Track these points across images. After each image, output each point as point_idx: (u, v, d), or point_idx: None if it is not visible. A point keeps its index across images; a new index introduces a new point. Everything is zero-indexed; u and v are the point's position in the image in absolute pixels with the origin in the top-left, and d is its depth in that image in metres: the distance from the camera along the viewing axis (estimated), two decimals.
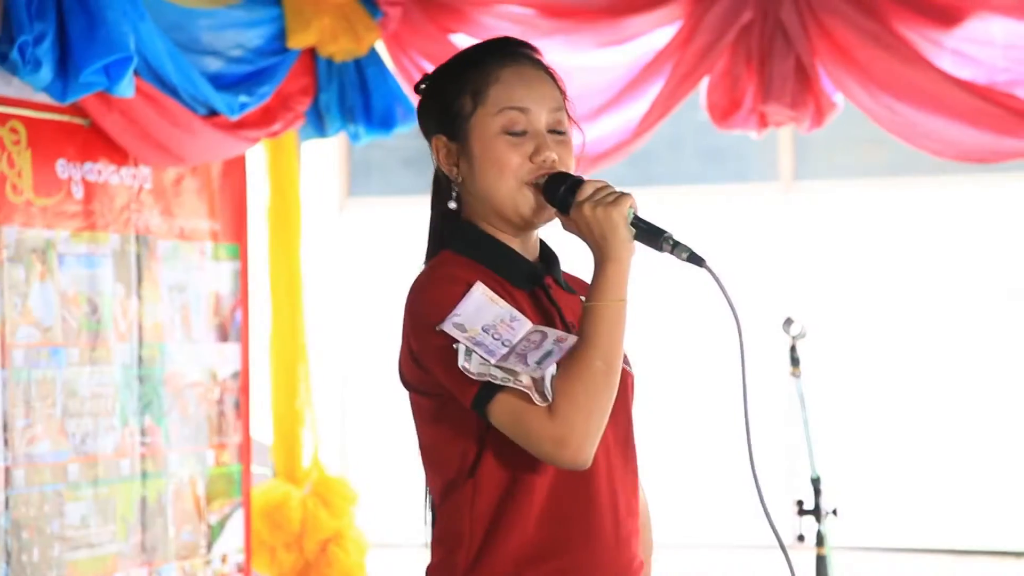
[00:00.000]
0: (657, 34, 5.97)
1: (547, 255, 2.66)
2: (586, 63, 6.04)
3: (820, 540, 4.83)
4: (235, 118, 5.60)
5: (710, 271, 2.46)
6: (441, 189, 2.64)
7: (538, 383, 2.36)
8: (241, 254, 6.01)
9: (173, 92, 5.34)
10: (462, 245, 2.57)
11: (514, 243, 2.59)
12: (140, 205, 5.54)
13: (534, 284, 2.58)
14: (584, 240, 2.48)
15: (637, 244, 2.47)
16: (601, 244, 2.45)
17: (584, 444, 2.35)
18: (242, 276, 6.01)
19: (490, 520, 2.46)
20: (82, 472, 5.24)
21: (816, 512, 4.83)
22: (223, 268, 5.93)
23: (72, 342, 5.23)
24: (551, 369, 2.37)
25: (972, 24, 5.64)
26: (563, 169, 2.55)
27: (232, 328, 5.95)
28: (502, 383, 2.36)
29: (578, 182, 2.50)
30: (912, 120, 5.73)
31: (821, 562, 4.83)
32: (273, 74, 5.82)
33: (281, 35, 5.87)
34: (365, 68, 6.14)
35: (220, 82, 5.60)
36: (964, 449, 7.98)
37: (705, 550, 8.01)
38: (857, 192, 8.17)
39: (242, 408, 5.97)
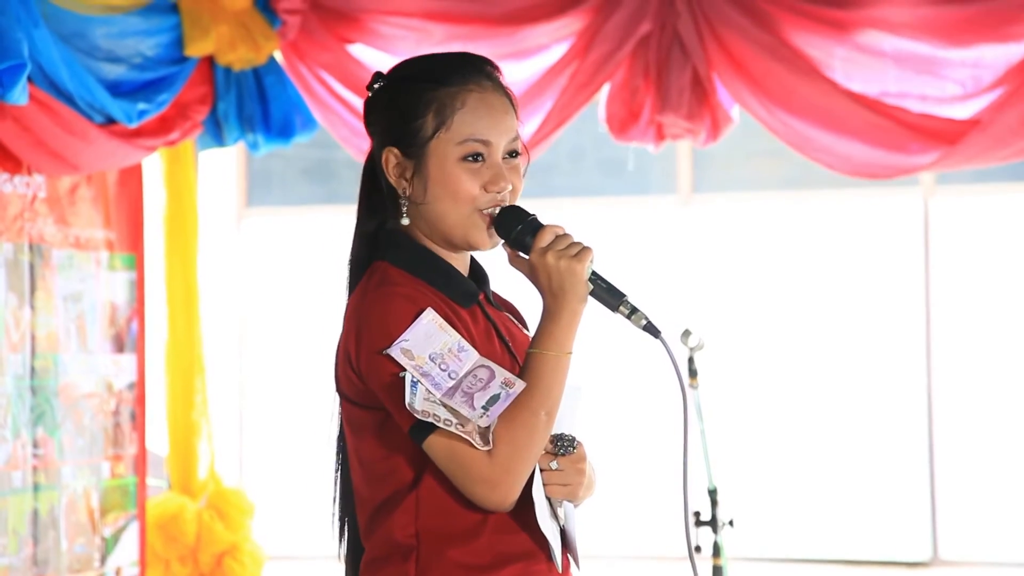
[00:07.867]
0: (555, 49, 5.98)
1: (477, 271, 2.63)
2: None
3: (717, 551, 4.86)
4: (133, 126, 5.55)
5: (664, 344, 2.48)
6: (382, 199, 2.57)
7: (480, 428, 2.36)
8: (137, 264, 5.95)
9: (68, 99, 5.28)
10: (402, 259, 2.52)
11: (454, 260, 2.55)
12: (34, 214, 5.47)
13: (471, 301, 2.55)
14: (534, 284, 2.46)
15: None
16: (558, 295, 2.43)
17: (514, 488, 2.39)
18: (138, 286, 5.95)
19: (437, 530, 2.44)
20: None
21: (713, 523, 4.85)
22: (119, 278, 5.86)
23: None
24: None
25: (864, 35, 5.70)
26: (514, 196, 2.53)
27: (128, 339, 5.89)
28: (444, 426, 2.35)
29: (537, 225, 2.48)
30: (806, 134, 5.78)
31: (717, 572, 4.86)
32: (171, 82, 5.78)
33: (179, 43, 5.83)
34: (264, 77, 6.10)
35: (118, 90, 5.55)
36: (858, 461, 8.06)
37: (622, 561, 8.02)
38: (755, 205, 8.24)
39: (138, 420, 5.91)
